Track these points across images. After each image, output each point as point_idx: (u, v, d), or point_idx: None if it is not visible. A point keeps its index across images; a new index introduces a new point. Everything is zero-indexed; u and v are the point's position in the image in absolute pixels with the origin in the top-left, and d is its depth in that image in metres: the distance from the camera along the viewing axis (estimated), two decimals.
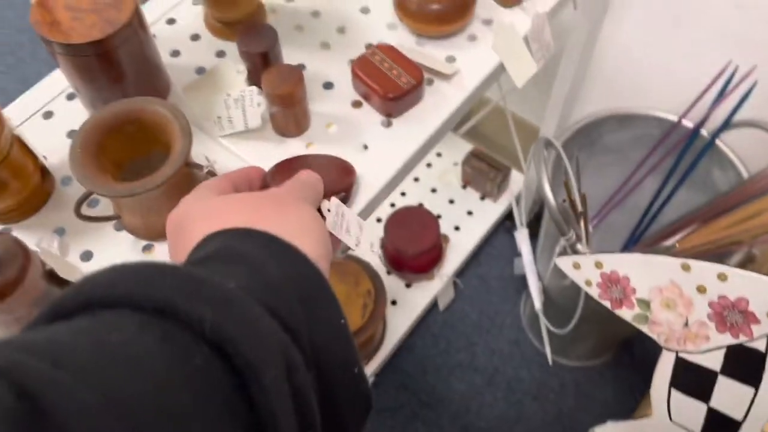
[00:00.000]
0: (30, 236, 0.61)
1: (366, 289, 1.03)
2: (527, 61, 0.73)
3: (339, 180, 0.58)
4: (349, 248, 0.59)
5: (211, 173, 0.57)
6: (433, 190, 1.27)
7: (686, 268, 0.61)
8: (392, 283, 1.16)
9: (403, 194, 1.26)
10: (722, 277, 0.59)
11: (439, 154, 1.31)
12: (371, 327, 1.00)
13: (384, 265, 1.16)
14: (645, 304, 0.66)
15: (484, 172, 1.20)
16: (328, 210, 0.55)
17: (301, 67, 0.71)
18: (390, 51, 0.68)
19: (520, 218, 1.10)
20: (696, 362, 0.64)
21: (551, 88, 1.05)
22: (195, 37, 0.74)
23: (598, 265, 0.68)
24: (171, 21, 0.76)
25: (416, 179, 1.28)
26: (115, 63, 0.61)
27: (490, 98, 1.28)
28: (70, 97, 0.70)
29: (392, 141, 0.66)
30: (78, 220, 0.61)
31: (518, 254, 1.11)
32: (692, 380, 0.65)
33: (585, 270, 0.69)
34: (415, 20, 0.71)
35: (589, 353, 1.19)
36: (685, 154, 0.93)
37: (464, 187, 1.27)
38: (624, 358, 1.21)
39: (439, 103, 0.68)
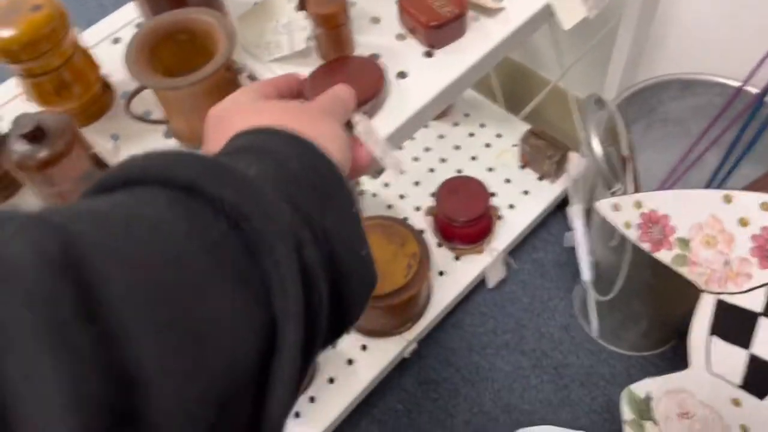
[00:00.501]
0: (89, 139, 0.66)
1: (412, 251, 1.03)
2: (576, 4, 0.73)
3: (369, 86, 0.59)
4: (378, 172, 0.59)
5: (251, 78, 0.60)
6: (490, 170, 1.26)
7: (728, 199, 0.59)
8: (442, 255, 1.16)
9: (459, 171, 1.26)
10: (766, 207, 0.56)
11: (499, 135, 1.31)
12: (414, 287, 1.00)
13: (434, 236, 1.16)
14: (684, 243, 0.63)
15: (542, 150, 1.18)
16: (358, 121, 0.57)
17: (351, 3, 0.74)
18: None
19: (576, 195, 1.08)
20: (737, 304, 0.61)
21: (611, 56, 1.03)
22: None
23: (638, 204, 0.66)
24: None
25: (474, 158, 1.28)
26: None
27: (550, 79, 1.27)
28: (139, 26, 0.76)
29: (431, 70, 0.67)
30: (131, 127, 0.66)
31: (570, 229, 1.08)
32: (733, 324, 0.62)
33: (624, 211, 0.68)
34: None
35: (642, 341, 1.14)
36: (749, 125, 0.89)
37: (522, 167, 1.26)
38: (681, 350, 1.15)
39: (481, 38, 0.69)
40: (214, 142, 0.42)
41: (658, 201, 0.64)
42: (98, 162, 0.56)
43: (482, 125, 1.33)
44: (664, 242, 0.65)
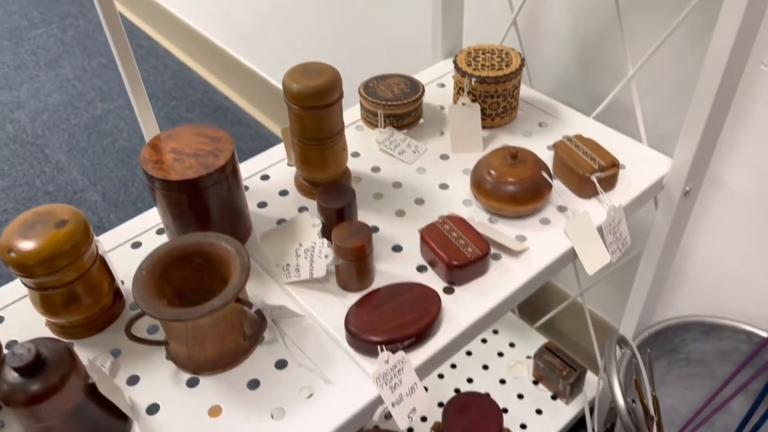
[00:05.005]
0: (89, 352, 0.63)
1: None
2: (600, 250, 0.72)
3: (413, 322, 0.60)
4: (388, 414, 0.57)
5: (259, 314, 0.58)
6: (502, 381, 1.20)
7: None
8: None
9: (470, 381, 1.20)
10: None
11: (512, 345, 1.26)
12: None
13: None
14: None
15: (557, 369, 1.13)
16: (386, 361, 0.55)
17: (373, 229, 0.74)
18: (459, 222, 0.69)
19: (593, 426, 1.02)
20: None
21: (632, 289, 1.02)
22: (283, 193, 0.80)
23: None
24: (265, 177, 0.82)
25: (485, 367, 1.23)
26: (203, 203, 0.66)
27: (569, 293, 1.25)
28: (160, 231, 0.76)
29: (451, 309, 0.65)
30: (133, 344, 0.63)
31: None
32: None
33: None
34: (489, 198, 0.74)
35: None
36: None
37: (535, 383, 1.20)
38: None
39: (503, 278, 0.68)
40: None
41: None
42: (92, 393, 0.53)
43: (495, 332, 1.30)
44: None
